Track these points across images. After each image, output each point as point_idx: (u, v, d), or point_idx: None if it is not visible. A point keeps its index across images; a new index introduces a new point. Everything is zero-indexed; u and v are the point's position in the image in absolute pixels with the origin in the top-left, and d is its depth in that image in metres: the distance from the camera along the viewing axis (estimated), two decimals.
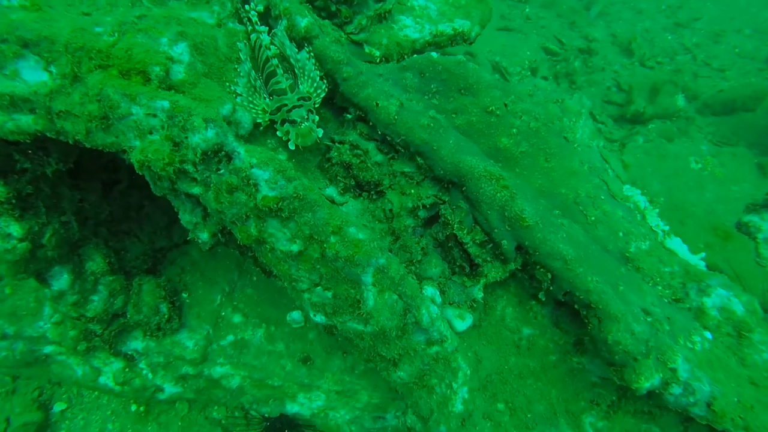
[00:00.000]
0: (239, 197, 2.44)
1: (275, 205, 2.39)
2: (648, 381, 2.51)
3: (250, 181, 2.39)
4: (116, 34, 2.59)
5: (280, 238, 2.62)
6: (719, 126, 10.15)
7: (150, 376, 4.70)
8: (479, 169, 2.89)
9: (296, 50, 3.13)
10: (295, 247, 2.62)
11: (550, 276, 2.84)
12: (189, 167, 2.42)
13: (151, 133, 2.37)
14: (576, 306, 2.87)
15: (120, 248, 4.47)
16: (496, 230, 2.88)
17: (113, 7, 3.05)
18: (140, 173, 2.46)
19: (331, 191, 3.26)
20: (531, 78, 10.73)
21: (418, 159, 3.06)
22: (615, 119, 10.60)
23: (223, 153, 2.38)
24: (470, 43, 4.46)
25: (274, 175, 2.38)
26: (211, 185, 2.47)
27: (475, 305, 3.17)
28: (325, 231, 2.49)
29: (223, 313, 4.99)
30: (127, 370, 4.59)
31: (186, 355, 4.61)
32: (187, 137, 2.32)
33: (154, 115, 2.31)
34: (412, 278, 2.86)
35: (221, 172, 2.45)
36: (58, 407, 4.89)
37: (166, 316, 4.45)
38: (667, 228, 3.61)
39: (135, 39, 2.53)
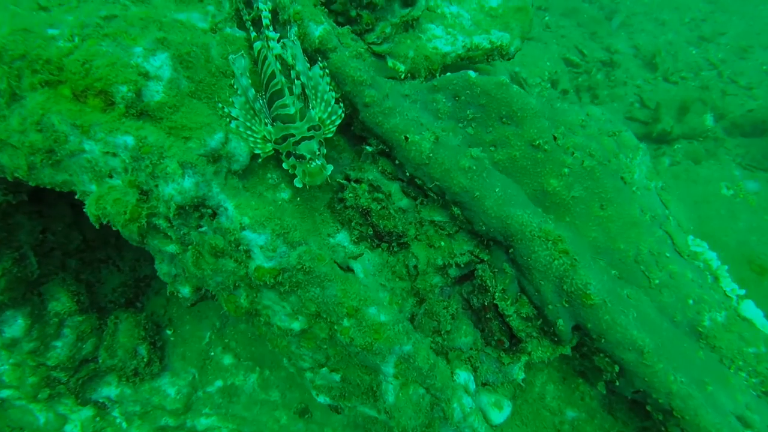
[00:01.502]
0: (226, 264, 1.84)
1: (272, 279, 1.79)
2: None
3: (240, 247, 1.79)
4: (76, 39, 1.99)
5: (278, 312, 2.02)
6: (749, 148, 9.55)
7: (124, 425, 4.09)
8: (532, 228, 2.28)
9: (308, 65, 2.53)
10: (296, 325, 2.02)
11: (617, 368, 2.25)
12: (161, 222, 1.82)
13: (110, 176, 1.77)
14: (648, 407, 2.28)
15: (94, 280, 3.87)
16: (550, 306, 2.28)
17: (82, 2, 2.43)
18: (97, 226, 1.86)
19: (343, 238, 2.66)
20: (552, 89, 10.15)
21: (454, 208, 2.46)
22: (639, 138, 9.99)
23: (206, 208, 1.78)
24: (509, 59, 3.86)
25: (272, 240, 1.78)
26: (190, 246, 1.87)
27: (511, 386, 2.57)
28: (337, 312, 1.89)
29: (212, 353, 4.39)
30: (97, 419, 3.99)
31: (167, 404, 4.00)
32: (157, 185, 1.71)
33: (115, 154, 1.71)
34: (443, 362, 2.26)
35: (203, 229, 1.85)
36: None
37: (145, 360, 3.84)
38: (742, 292, 3.01)
39: (98, 47, 1.93)
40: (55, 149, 1.78)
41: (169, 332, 4.34)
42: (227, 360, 4.38)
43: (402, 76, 3.30)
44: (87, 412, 4.00)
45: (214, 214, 1.82)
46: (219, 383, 4.27)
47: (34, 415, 4.04)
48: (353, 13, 3.16)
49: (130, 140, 1.70)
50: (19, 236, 2.98)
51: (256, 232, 1.77)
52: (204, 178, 1.76)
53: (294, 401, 4.36)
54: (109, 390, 3.95)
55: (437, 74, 3.41)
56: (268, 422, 4.29)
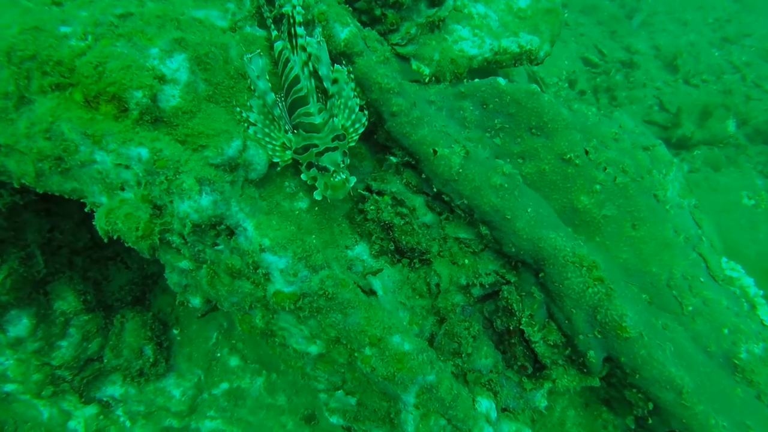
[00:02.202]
0: (242, 286, 1.72)
1: (292, 305, 1.67)
2: None
3: (259, 270, 1.67)
4: (89, 38, 1.86)
5: (294, 334, 1.91)
6: None
7: (128, 424, 4.04)
8: (566, 252, 2.15)
9: (332, 69, 2.38)
10: (314, 349, 1.91)
11: (651, 406, 2.12)
12: (174, 238, 1.70)
13: (122, 189, 1.65)
14: None
15: (102, 278, 3.78)
16: (581, 336, 2.15)
17: None
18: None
19: (362, 250, 2.54)
20: (569, 89, 9.92)
21: (482, 227, 2.32)
22: None
23: (223, 226, 1.66)
24: (537, 64, 3.69)
25: (293, 264, 1.65)
26: (204, 265, 1.76)
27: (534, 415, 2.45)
28: (359, 339, 1.78)
29: (219, 354, 4.31)
30: (101, 417, 3.93)
31: (171, 406, 3.94)
32: (172, 201, 1.59)
33: (127, 167, 1.59)
34: (465, 390, 2.14)
35: (219, 247, 1.73)
36: None
37: (150, 360, 3.77)
38: None
39: (112, 48, 1.80)
40: (64, 158, 1.66)
41: (175, 332, 4.26)
42: (234, 362, 4.30)
43: (426, 80, 3.14)
44: (91, 409, 3.94)
45: (232, 233, 1.70)
46: (225, 386, 4.20)
47: (38, 409, 3.99)
48: (378, 12, 3.00)
49: (144, 152, 1.58)
50: (26, 235, 2.88)
51: (277, 254, 1.65)
52: (222, 196, 1.63)
53: (301, 406, 4.28)
54: (114, 389, 3.88)
55: (463, 78, 3.26)
56: (274, 428, 4.21)
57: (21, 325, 3.05)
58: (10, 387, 3.87)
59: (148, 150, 1.58)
